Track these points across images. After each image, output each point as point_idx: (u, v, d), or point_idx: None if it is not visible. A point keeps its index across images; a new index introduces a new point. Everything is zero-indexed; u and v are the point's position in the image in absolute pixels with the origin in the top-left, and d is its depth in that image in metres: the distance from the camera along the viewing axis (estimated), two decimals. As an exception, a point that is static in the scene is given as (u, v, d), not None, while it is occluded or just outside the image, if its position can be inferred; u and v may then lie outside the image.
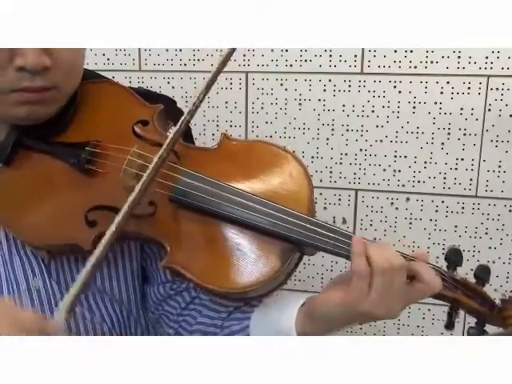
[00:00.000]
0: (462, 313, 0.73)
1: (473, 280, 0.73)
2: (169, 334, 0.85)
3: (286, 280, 0.72)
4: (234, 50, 0.70)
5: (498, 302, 0.73)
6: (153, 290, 0.87)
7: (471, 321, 0.74)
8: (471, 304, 0.71)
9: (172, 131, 0.70)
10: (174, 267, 0.69)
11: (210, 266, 0.70)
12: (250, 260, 0.69)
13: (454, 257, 0.73)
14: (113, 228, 0.64)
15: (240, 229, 0.70)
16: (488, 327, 0.73)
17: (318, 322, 0.70)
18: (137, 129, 0.78)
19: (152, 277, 0.87)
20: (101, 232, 0.70)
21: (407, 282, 0.67)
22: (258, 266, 0.68)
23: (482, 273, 0.73)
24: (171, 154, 0.74)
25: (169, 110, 0.84)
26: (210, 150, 0.77)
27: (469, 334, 0.73)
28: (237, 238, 0.70)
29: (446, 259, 0.73)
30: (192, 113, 0.70)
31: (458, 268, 0.73)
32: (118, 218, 0.64)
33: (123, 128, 0.78)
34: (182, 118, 0.69)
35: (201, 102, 0.70)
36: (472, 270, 0.73)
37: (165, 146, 0.68)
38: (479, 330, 0.72)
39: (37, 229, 0.74)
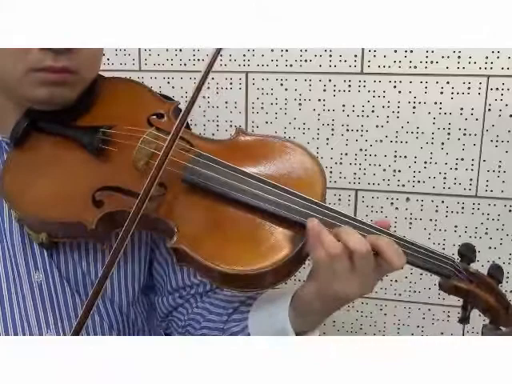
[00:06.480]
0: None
1: None
2: None
3: (297, 269, 0.71)
4: (219, 49, 0.70)
5: None
6: (161, 301, 0.87)
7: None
8: (487, 298, 0.69)
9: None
10: (182, 247, 0.68)
11: (219, 248, 0.69)
12: (259, 243, 0.68)
13: (467, 252, 0.73)
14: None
15: (250, 212, 0.69)
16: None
17: (304, 314, 0.70)
18: (152, 120, 0.79)
19: (160, 286, 0.88)
20: (106, 213, 0.71)
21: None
22: (268, 249, 0.67)
23: (495, 271, 0.72)
24: (184, 143, 0.75)
25: None
26: (224, 141, 0.78)
27: (483, 334, 0.70)
28: (246, 221, 0.69)
29: (459, 254, 0.74)
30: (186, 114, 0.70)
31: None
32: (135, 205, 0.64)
33: (139, 118, 0.79)
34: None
35: (193, 104, 0.70)
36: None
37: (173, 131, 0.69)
38: (494, 330, 0.70)
39: (42, 204, 0.74)
